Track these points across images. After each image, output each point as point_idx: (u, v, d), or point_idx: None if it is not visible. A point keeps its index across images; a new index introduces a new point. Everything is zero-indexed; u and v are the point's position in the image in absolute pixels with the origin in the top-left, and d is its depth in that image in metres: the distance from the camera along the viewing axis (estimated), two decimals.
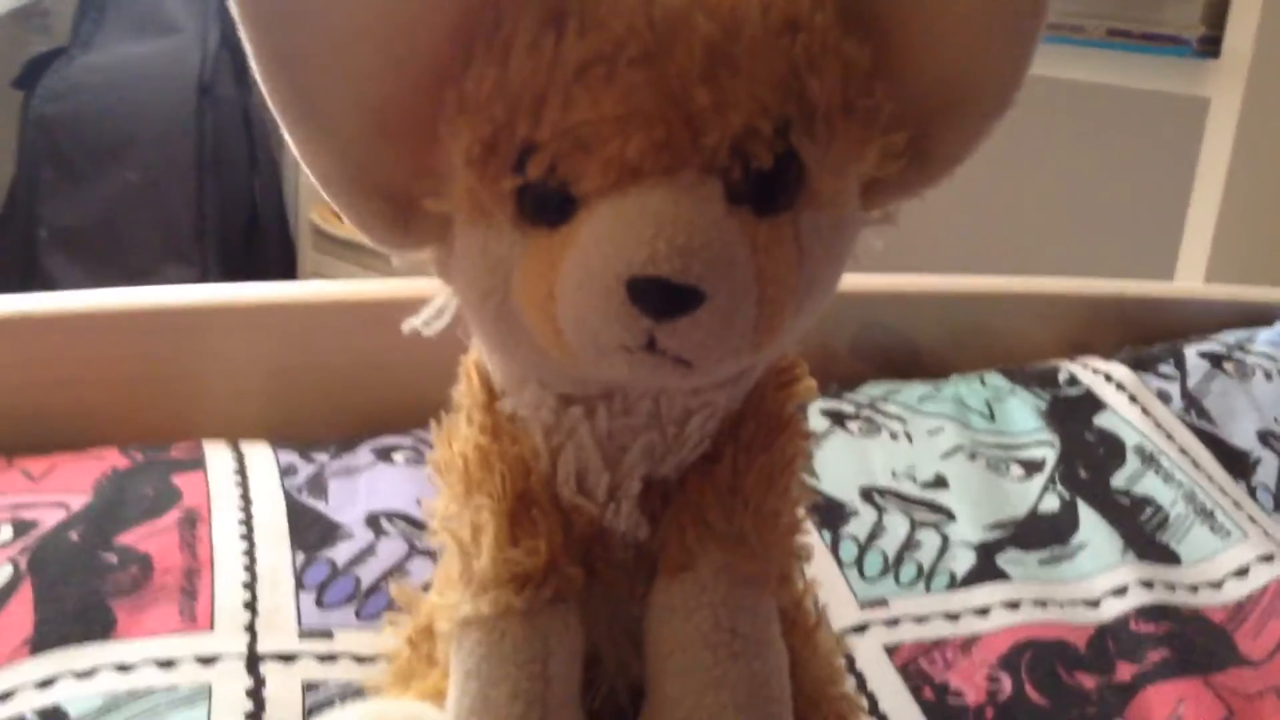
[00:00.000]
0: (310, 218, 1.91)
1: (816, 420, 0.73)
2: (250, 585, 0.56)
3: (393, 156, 0.36)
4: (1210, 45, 1.07)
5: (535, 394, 0.40)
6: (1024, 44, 0.36)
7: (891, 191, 0.39)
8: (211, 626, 0.54)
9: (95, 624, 0.53)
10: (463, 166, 0.34)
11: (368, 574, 0.58)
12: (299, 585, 0.57)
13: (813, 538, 0.44)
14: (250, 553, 0.58)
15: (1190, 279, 1.06)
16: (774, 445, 0.42)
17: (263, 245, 1.91)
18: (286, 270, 1.93)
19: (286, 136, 0.36)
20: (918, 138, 0.37)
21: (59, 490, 0.61)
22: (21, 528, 0.58)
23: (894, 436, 0.73)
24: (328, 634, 0.55)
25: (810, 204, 0.34)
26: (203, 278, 1.76)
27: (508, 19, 0.34)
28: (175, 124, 1.76)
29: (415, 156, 0.36)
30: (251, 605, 0.55)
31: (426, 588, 0.52)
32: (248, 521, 0.60)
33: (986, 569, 0.63)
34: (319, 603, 0.56)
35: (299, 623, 0.55)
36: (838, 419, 0.74)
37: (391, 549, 0.60)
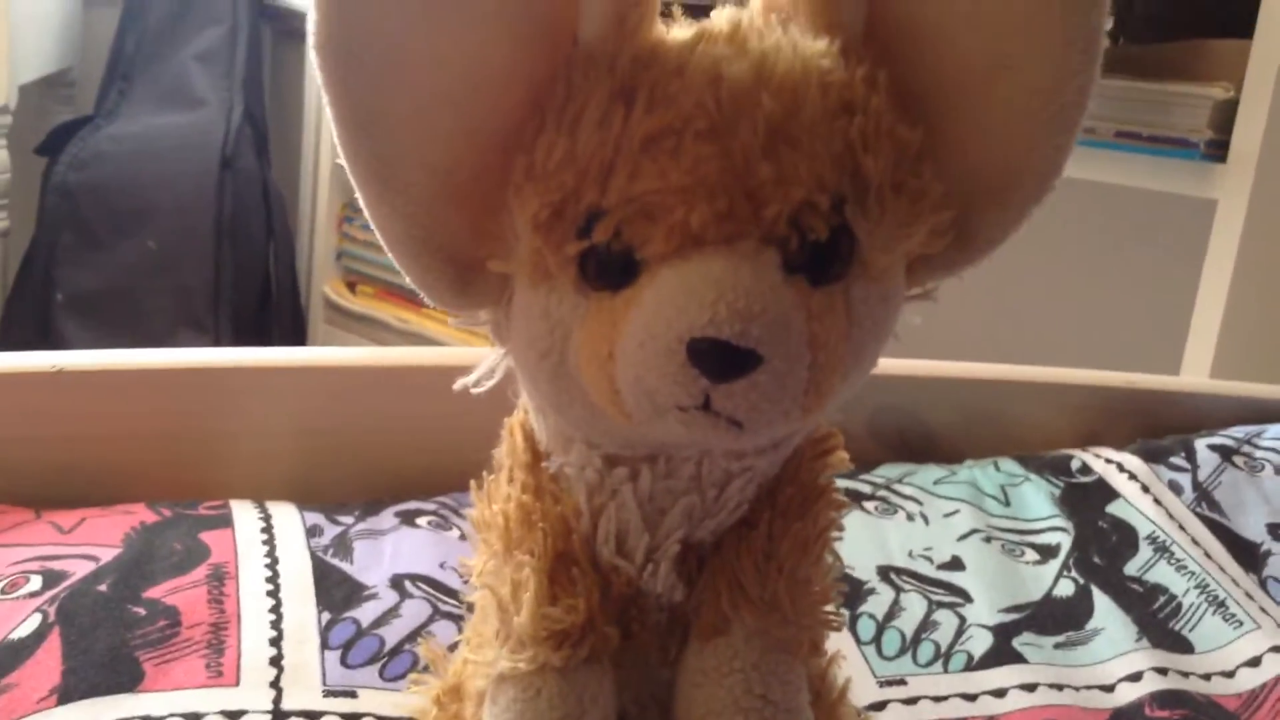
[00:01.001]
0: (322, 289, 1.93)
1: None
2: (276, 642, 0.56)
3: (459, 219, 0.38)
4: (1217, 149, 1.10)
5: (582, 454, 0.41)
6: (1067, 132, 0.38)
7: (934, 269, 0.40)
8: (237, 682, 0.54)
9: (123, 675, 0.53)
10: (529, 231, 0.36)
11: (392, 635, 0.58)
12: (324, 644, 0.57)
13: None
14: (277, 610, 0.58)
15: (1196, 375, 1.07)
16: (809, 513, 0.43)
17: (275, 316, 1.93)
18: (297, 341, 1.95)
19: (358, 195, 0.38)
20: (961, 219, 0.38)
21: (88, 543, 0.62)
22: (51, 578, 0.59)
23: (910, 518, 0.74)
24: (352, 693, 0.55)
25: (861, 276, 0.36)
26: (215, 345, 1.78)
27: (578, 93, 0.35)
28: (196, 195, 1.79)
29: (481, 220, 0.38)
30: (277, 662, 0.55)
31: (453, 649, 0.52)
32: (274, 579, 0.60)
33: (1003, 651, 0.64)
34: (344, 662, 0.56)
35: (324, 681, 0.55)
36: (855, 499, 0.75)
37: (415, 611, 0.60)
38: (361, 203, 0.38)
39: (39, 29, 1.86)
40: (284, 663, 0.55)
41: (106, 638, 0.55)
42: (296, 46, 2.05)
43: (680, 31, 0.37)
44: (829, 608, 0.45)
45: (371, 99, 0.35)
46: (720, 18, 0.37)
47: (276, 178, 1.96)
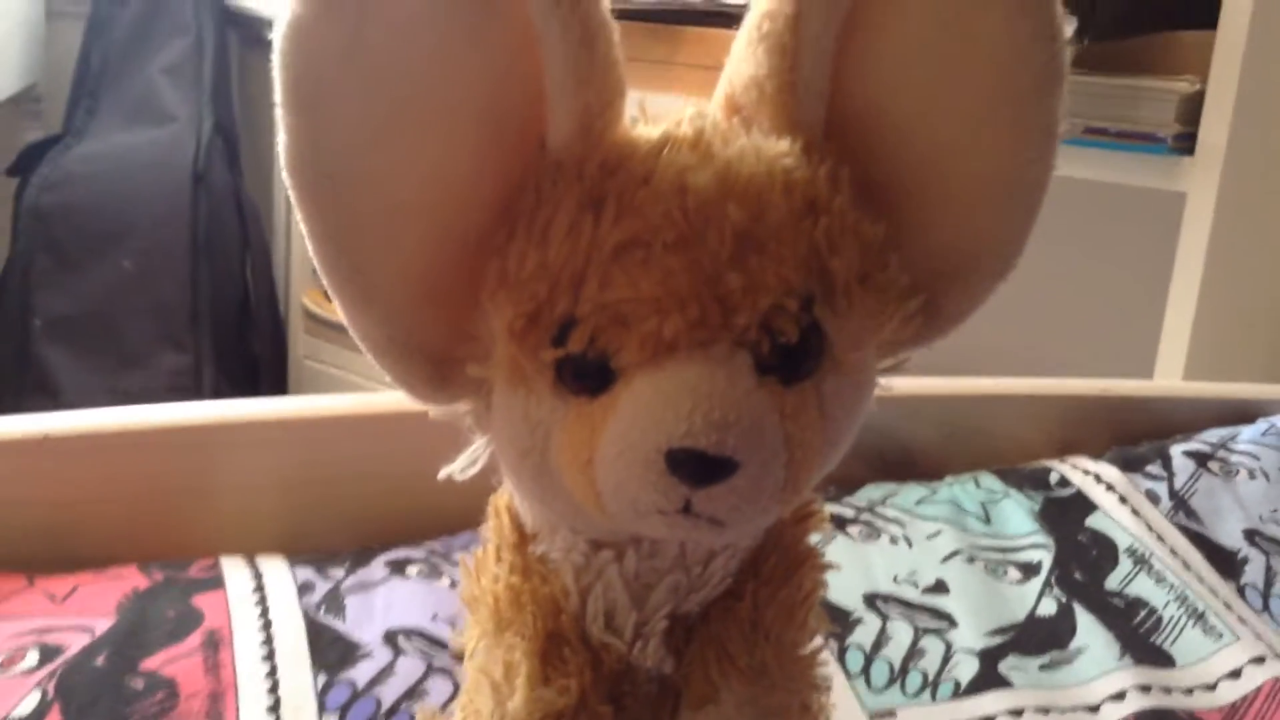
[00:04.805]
0: (302, 300, 1.93)
1: None
2: (275, 709, 0.57)
3: (436, 321, 0.38)
4: (1185, 142, 1.11)
5: (567, 539, 0.42)
6: (1029, 213, 0.38)
7: (902, 345, 0.41)
8: None
9: None
10: (505, 337, 0.36)
11: (388, 694, 0.59)
12: (321, 708, 0.58)
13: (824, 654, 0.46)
14: (273, 675, 0.59)
15: (1169, 375, 1.09)
16: (793, 580, 0.44)
17: (255, 329, 1.92)
18: (278, 353, 1.95)
19: (334, 300, 0.38)
20: (927, 299, 0.39)
21: (82, 613, 0.62)
22: (48, 653, 0.59)
23: (894, 541, 0.75)
24: None
25: (832, 371, 0.37)
26: (196, 364, 1.77)
27: (547, 200, 0.36)
28: (170, 212, 1.78)
29: (457, 321, 0.38)
30: None
31: (446, 707, 0.53)
32: (269, 642, 0.61)
33: (990, 677, 0.65)
34: None
35: None
36: (839, 523, 0.76)
37: (410, 667, 0.61)
38: (340, 313, 0.38)
39: (1, 47, 1.84)
40: None
41: (106, 713, 0.55)
42: (263, 53, 2.03)
43: (646, 132, 0.37)
44: (818, 669, 0.46)
45: (345, 213, 0.36)
46: (685, 120, 0.37)
47: (249, 188, 1.96)
